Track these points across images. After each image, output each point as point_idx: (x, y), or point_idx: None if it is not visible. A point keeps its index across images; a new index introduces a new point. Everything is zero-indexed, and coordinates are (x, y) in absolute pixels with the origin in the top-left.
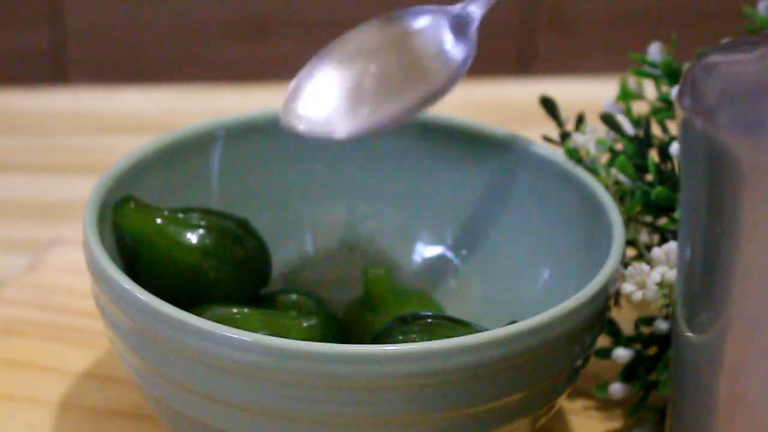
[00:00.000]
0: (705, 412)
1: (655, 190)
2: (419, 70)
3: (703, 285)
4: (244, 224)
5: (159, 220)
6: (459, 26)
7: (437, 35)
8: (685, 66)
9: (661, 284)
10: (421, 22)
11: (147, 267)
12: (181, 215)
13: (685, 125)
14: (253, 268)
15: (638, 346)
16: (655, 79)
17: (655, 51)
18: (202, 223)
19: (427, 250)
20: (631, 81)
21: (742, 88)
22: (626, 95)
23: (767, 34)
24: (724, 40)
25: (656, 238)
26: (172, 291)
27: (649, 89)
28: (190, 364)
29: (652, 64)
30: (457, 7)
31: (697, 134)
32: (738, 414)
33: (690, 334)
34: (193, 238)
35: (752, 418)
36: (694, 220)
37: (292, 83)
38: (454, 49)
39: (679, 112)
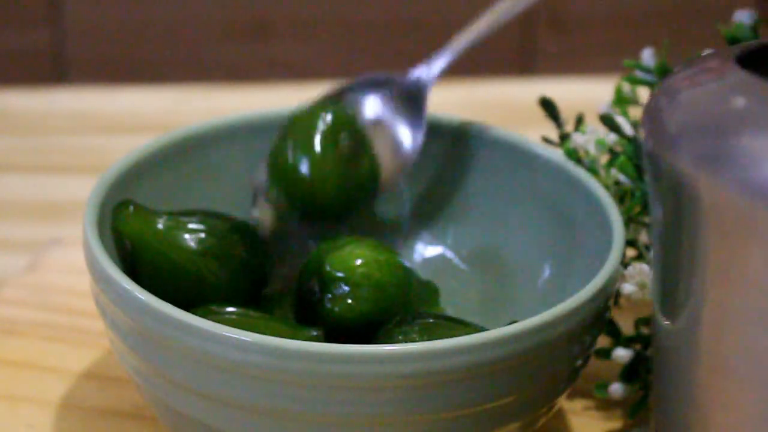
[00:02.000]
0: (685, 403)
1: None
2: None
3: (670, 309)
4: (243, 226)
5: (158, 224)
6: (410, 100)
7: (386, 127)
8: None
9: None
10: (369, 108)
11: (147, 270)
12: (180, 218)
13: (647, 152)
14: (253, 270)
15: (638, 346)
16: (650, 84)
17: (648, 55)
18: (201, 226)
19: (427, 250)
20: (626, 86)
21: (705, 121)
22: (621, 101)
23: (728, 56)
24: (690, 60)
25: None
26: (172, 293)
27: (645, 93)
28: (190, 364)
29: (646, 69)
30: (406, 79)
31: (658, 162)
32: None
33: (666, 336)
34: (192, 241)
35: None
36: (658, 243)
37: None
38: (405, 137)
39: (643, 139)
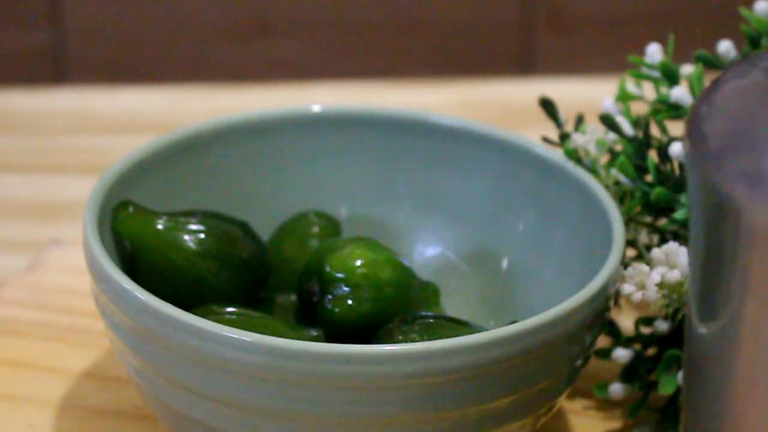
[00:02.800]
0: (721, 411)
1: (655, 190)
2: None
3: (707, 317)
4: (243, 227)
5: (157, 225)
6: None
7: None
8: (685, 69)
9: (660, 285)
10: None
11: (146, 270)
12: (179, 219)
13: (689, 164)
14: (253, 270)
15: (638, 346)
16: (654, 80)
17: (653, 52)
18: (201, 227)
19: (427, 250)
20: (630, 82)
21: (748, 136)
22: (625, 96)
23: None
24: (729, 56)
25: (656, 238)
26: (172, 294)
27: (648, 90)
28: (190, 364)
29: (650, 66)
30: None
31: (700, 176)
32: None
33: (703, 342)
34: (192, 242)
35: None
36: (697, 255)
37: None
38: None
39: (686, 149)
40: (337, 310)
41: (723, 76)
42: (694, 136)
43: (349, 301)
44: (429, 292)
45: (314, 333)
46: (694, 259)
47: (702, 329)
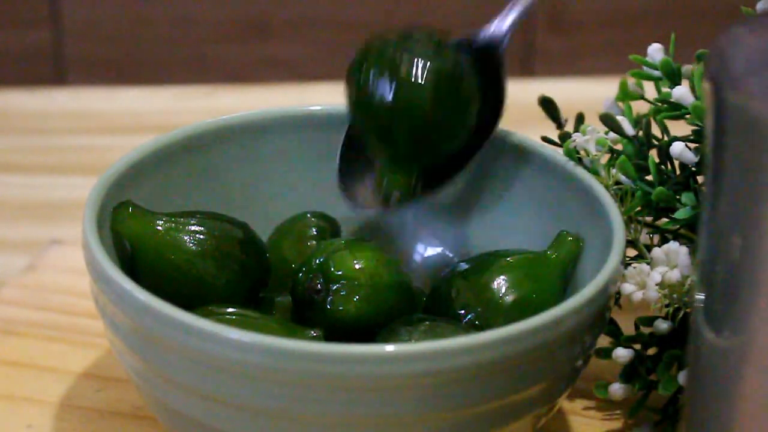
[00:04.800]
0: (727, 413)
1: (655, 190)
2: None
3: (729, 273)
4: (243, 227)
5: (157, 225)
6: (486, 60)
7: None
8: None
9: (661, 284)
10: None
11: (146, 271)
12: (179, 219)
13: (714, 95)
14: (252, 270)
15: (638, 346)
16: (655, 80)
17: (654, 51)
18: (200, 227)
19: (427, 250)
20: (631, 82)
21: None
22: (626, 96)
23: None
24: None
25: (656, 238)
26: (172, 295)
27: (649, 90)
28: (190, 364)
29: (652, 65)
30: (480, 37)
31: (725, 103)
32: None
33: (712, 334)
34: (191, 242)
35: None
36: (721, 198)
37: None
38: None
39: (707, 83)
40: (340, 308)
41: (737, 21)
42: (717, 65)
43: (353, 301)
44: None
45: (314, 333)
46: (704, 245)
47: (711, 316)
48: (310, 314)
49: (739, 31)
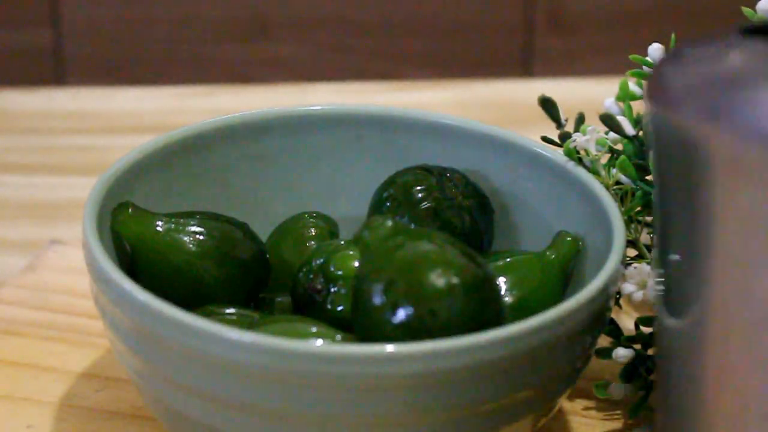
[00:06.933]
0: (692, 399)
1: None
2: None
3: (681, 274)
4: (242, 227)
5: (157, 226)
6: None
7: None
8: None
9: None
10: None
11: (146, 271)
12: (179, 220)
13: (655, 118)
14: (252, 271)
15: (638, 346)
16: None
17: (654, 51)
18: (200, 228)
19: None
20: (631, 82)
21: (706, 81)
22: (626, 95)
23: (732, 30)
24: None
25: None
26: (172, 295)
27: None
28: (190, 364)
29: (652, 65)
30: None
31: (666, 125)
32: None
33: (670, 322)
34: (191, 243)
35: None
36: (668, 209)
37: None
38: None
39: (648, 107)
40: (340, 308)
41: (682, 46)
42: (657, 87)
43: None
44: None
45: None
46: (658, 221)
47: (669, 310)
48: (310, 314)
49: (679, 56)
